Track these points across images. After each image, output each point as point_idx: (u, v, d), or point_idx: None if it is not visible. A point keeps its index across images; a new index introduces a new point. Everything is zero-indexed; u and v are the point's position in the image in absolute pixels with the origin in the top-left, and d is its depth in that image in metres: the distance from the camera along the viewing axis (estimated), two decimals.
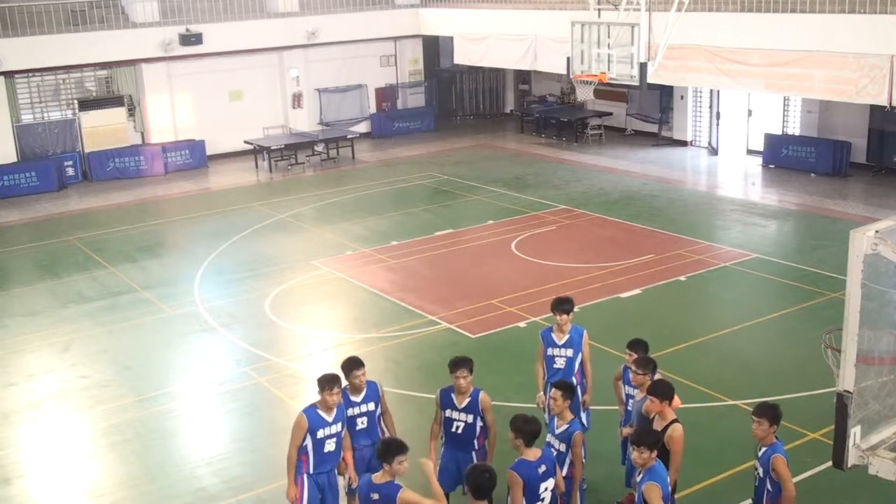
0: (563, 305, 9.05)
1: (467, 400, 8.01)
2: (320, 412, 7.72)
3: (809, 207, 19.63)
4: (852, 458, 6.11)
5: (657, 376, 8.12)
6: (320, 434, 7.70)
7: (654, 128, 27.36)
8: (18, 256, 18.57)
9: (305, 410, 7.76)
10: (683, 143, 26.47)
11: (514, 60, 25.41)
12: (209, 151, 26.45)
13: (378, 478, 6.64)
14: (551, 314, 9.21)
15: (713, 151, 25.54)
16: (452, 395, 8.09)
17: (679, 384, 9.78)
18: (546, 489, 6.98)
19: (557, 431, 7.73)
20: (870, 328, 5.87)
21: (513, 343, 12.88)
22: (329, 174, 24.97)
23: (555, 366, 9.08)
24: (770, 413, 7.13)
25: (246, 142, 26.37)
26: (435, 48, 32.28)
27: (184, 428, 11.20)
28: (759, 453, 7.19)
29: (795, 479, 9.07)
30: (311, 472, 7.78)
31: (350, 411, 8.06)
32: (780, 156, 23.33)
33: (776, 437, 7.16)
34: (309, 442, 7.70)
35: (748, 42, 18.94)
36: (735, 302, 14.51)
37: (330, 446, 7.78)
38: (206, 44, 25.33)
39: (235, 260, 17.52)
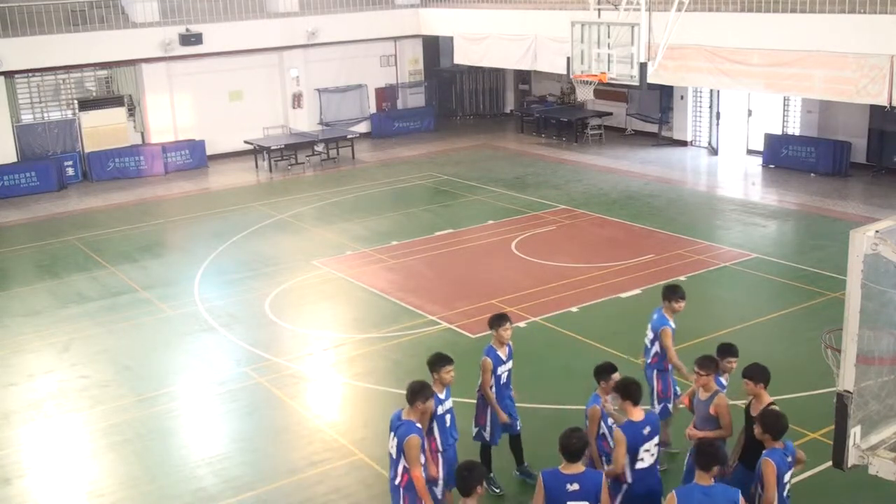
0: (678, 292, 9.48)
1: (506, 349, 9.08)
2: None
3: (809, 207, 19.63)
4: (852, 458, 6.11)
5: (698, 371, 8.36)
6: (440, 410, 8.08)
7: (654, 128, 27.35)
8: (18, 256, 18.57)
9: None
10: (683, 143, 26.46)
11: (514, 60, 25.41)
12: (209, 151, 26.46)
13: None
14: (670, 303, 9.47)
15: (713, 151, 25.53)
16: (497, 353, 8.98)
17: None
18: (647, 450, 7.42)
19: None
20: (870, 328, 5.87)
21: (513, 343, 12.82)
22: (329, 174, 24.97)
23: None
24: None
25: (246, 142, 26.38)
26: (435, 48, 32.27)
27: (184, 428, 11.20)
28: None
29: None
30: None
31: (439, 409, 8.05)
32: (780, 156, 23.33)
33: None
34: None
35: (748, 42, 18.94)
36: (735, 302, 14.51)
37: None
38: (206, 44, 25.34)
39: (235, 260, 17.52)
